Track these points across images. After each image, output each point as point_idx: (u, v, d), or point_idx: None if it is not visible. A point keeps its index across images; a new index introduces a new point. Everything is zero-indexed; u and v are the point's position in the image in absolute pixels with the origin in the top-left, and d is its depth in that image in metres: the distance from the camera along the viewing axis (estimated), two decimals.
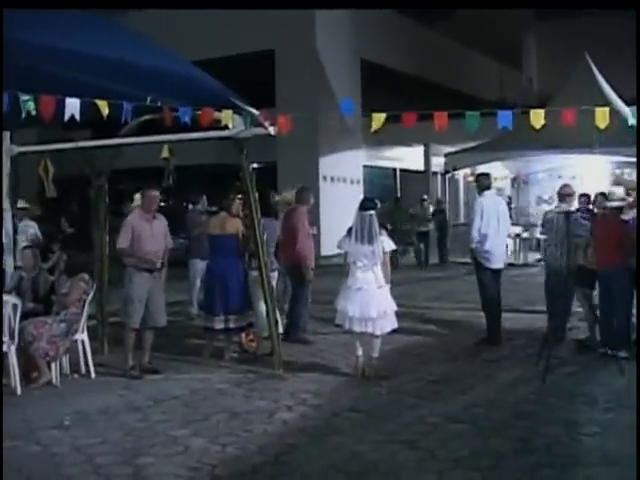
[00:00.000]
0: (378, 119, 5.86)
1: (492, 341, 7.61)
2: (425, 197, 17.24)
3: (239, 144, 6.39)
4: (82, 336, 6.54)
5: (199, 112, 5.84)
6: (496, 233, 7.61)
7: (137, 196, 6.91)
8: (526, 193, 18.51)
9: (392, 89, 21.60)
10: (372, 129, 5.85)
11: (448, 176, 17.94)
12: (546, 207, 16.84)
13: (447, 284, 13.14)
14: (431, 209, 16.86)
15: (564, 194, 7.38)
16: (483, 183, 7.90)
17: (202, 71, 6.08)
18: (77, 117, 5.23)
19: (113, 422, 5.25)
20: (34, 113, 5.13)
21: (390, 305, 6.36)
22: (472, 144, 16.24)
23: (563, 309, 6.95)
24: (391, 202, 17.21)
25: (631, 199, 7.12)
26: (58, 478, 4.29)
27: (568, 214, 6.67)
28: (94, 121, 5.57)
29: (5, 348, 5.93)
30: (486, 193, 7.83)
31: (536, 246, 17.64)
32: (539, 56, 33.83)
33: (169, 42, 7.71)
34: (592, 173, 14.61)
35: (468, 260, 8.86)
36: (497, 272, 7.73)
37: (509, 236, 10.09)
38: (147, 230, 6.61)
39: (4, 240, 7.04)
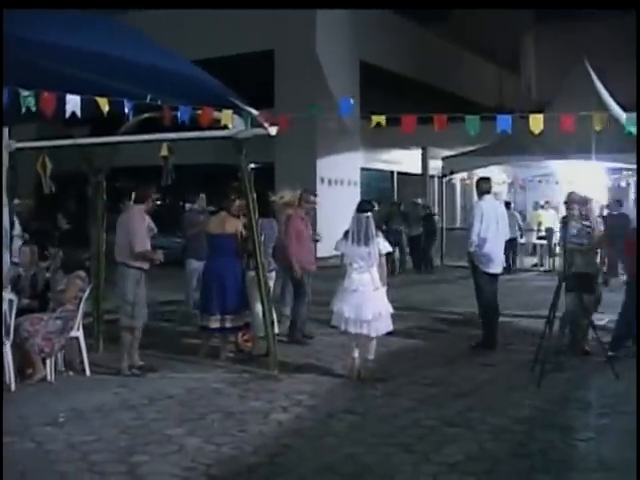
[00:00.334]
0: (378, 121, 5.89)
1: (488, 345, 7.62)
2: (419, 201, 17.19)
3: (238, 144, 6.38)
4: (78, 333, 6.50)
5: (199, 111, 5.83)
6: (495, 237, 7.62)
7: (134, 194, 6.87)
8: (523, 198, 18.58)
9: (390, 91, 21.59)
10: (373, 124, 5.90)
11: (445, 180, 17.92)
12: (542, 212, 16.96)
13: (440, 288, 13.16)
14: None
15: (569, 201, 7.40)
16: (483, 187, 7.92)
17: (202, 70, 6.07)
18: (78, 114, 5.21)
19: (108, 420, 5.23)
20: (34, 109, 5.11)
21: (386, 307, 6.36)
22: (470, 148, 16.24)
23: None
24: (387, 205, 17.14)
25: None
26: (52, 475, 4.27)
27: (565, 221, 6.76)
28: (94, 118, 5.55)
29: None
30: (486, 197, 7.84)
31: (532, 251, 17.71)
32: (537, 59, 33.74)
33: (168, 41, 7.68)
34: (589, 179, 14.63)
35: (464, 264, 8.88)
36: (494, 276, 7.74)
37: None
38: (146, 228, 6.64)
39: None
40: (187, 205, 11.44)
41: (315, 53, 19.11)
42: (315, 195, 8.57)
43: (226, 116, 6.00)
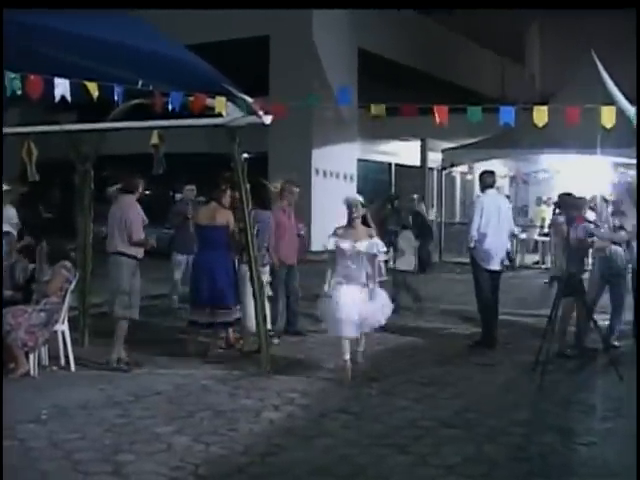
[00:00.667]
0: (376, 110, 5.74)
1: (487, 344, 7.47)
2: (414, 196, 16.92)
3: (231, 133, 6.18)
4: (62, 327, 6.36)
5: (191, 98, 5.66)
6: (495, 233, 7.44)
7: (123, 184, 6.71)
8: (525, 193, 18.32)
9: (389, 80, 21.34)
10: (371, 114, 5.77)
11: (445, 172, 17.67)
12: (545, 208, 16.74)
13: (437, 285, 12.99)
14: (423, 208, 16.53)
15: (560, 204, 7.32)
16: (487, 181, 7.71)
17: (195, 55, 5.88)
18: (68, 98, 5.08)
19: (93, 417, 5.11)
20: (19, 92, 4.95)
21: (378, 304, 6.22)
22: (471, 140, 16.00)
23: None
24: (380, 200, 16.73)
25: None
26: (34, 474, 4.15)
27: (569, 220, 6.63)
28: (81, 104, 5.38)
29: None
30: (488, 191, 7.66)
31: (534, 248, 17.52)
32: (543, 49, 33.33)
33: (160, 23, 7.45)
34: (593, 174, 14.40)
35: (463, 260, 8.73)
36: (495, 274, 7.57)
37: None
38: (141, 218, 6.54)
39: None
40: (177, 195, 11.26)
41: (312, 39, 18.84)
42: (297, 186, 8.34)
43: (219, 103, 5.82)
